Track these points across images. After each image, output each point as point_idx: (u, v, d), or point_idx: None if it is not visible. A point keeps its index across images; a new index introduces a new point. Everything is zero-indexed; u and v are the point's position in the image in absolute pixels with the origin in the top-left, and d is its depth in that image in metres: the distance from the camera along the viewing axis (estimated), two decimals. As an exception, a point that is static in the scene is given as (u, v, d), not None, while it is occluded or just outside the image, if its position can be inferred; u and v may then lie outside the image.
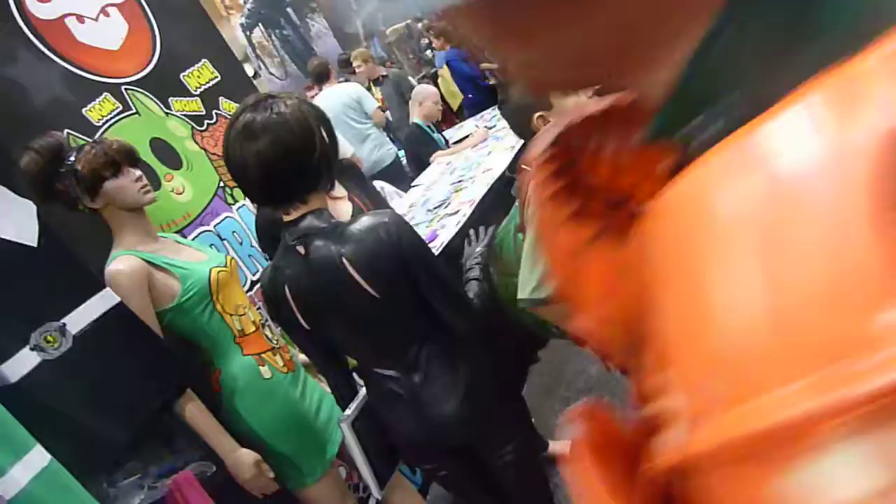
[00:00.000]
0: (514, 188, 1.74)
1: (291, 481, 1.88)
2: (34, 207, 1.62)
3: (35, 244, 1.60)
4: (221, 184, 2.54)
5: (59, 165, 1.74)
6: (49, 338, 1.55)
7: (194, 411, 1.72)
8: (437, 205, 3.65)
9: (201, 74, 2.66)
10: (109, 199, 1.76)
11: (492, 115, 4.94)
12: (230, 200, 2.54)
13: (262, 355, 1.86)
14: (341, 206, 2.07)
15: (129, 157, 1.78)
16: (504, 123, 4.48)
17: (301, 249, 1.41)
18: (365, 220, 1.40)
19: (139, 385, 1.66)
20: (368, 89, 5.75)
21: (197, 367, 1.83)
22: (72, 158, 1.74)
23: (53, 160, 1.74)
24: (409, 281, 1.42)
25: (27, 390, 1.46)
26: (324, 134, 1.42)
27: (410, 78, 6.31)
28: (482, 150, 4.31)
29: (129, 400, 1.63)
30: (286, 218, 1.45)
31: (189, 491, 1.67)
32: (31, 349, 1.51)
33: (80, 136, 2.14)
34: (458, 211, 3.40)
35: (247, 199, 2.57)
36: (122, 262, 1.72)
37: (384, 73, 5.81)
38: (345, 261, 1.37)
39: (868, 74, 0.23)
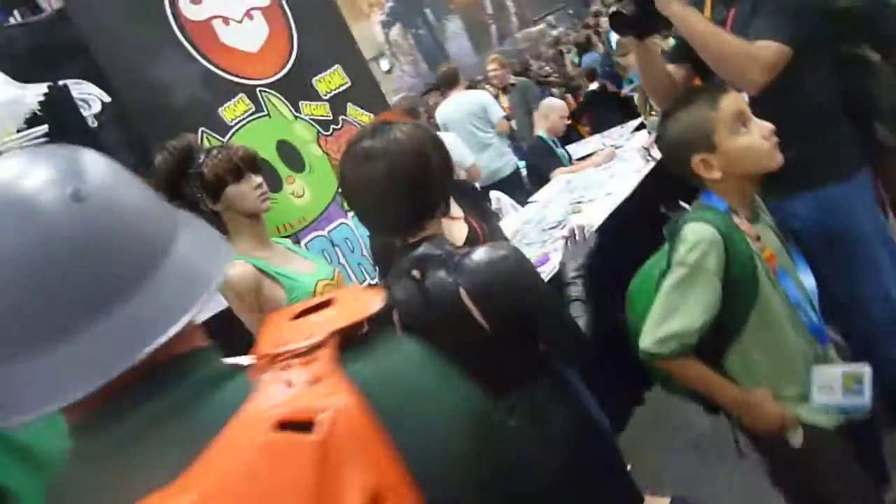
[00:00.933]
0: (669, 226, 1.60)
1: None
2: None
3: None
4: (339, 190, 2.57)
5: (187, 167, 1.80)
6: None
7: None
8: (553, 225, 3.55)
9: (332, 80, 2.70)
10: (229, 203, 1.81)
11: (620, 133, 4.76)
12: (346, 207, 2.56)
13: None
14: (457, 227, 2.02)
15: (251, 164, 1.82)
16: (634, 144, 4.32)
17: (416, 274, 1.38)
18: (483, 252, 1.35)
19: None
20: (496, 97, 5.72)
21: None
22: (200, 160, 1.80)
23: (183, 161, 1.81)
24: (524, 319, 1.36)
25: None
26: (440, 160, 1.39)
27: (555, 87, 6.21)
28: (606, 171, 4.16)
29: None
30: (402, 242, 1.42)
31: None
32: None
33: (214, 134, 2.22)
34: (570, 237, 3.28)
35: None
36: (234, 268, 1.76)
37: (513, 82, 5.75)
38: (461, 290, 1.32)
39: None
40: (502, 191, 4.66)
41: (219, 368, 0.64)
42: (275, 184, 2.33)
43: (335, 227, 2.48)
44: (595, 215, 3.41)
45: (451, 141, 4.20)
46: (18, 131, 1.53)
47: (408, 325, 1.43)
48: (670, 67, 1.98)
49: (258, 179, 1.82)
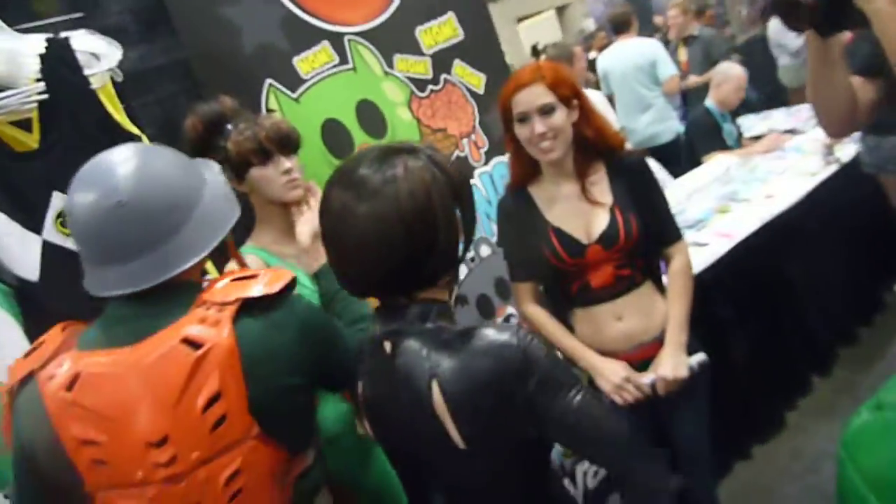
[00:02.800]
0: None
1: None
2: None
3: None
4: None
5: (215, 137, 1.58)
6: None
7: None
8: (691, 224, 3.01)
9: (440, 31, 2.33)
10: (255, 186, 1.57)
11: (808, 115, 3.92)
12: (428, 183, 2.25)
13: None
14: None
15: (282, 145, 1.55)
16: (817, 134, 3.52)
17: (388, 346, 1.07)
18: (482, 335, 0.99)
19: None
20: (675, 49, 4.99)
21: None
22: (229, 130, 1.57)
23: (211, 129, 1.58)
24: (517, 429, 1.01)
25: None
26: (456, 218, 1.03)
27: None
28: (777, 161, 3.45)
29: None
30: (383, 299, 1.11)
31: None
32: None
33: (282, 88, 1.97)
34: (707, 244, 2.75)
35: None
36: (249, 261, 1.54)
37: (695, 34, 4.96)
38: (434, 384, 0.98)
39: None
40: (657, 159, 4.09)
41: (190, 297, 1.07)
42: (344, 149, 2.06)
43: (409, 206, 2.18)
44: (744, 222, 2.83)
45: (597, 101, 3.68)
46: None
47: (369, 404, 1.13)
48: (856, 81, 1.42)
49: (288, 164, 1.55)
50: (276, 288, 1.08)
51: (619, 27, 4.60)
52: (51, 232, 1.35)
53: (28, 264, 1.31)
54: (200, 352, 0.99)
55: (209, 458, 1.01)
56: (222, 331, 1.01)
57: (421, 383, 0.99)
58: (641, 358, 1.64)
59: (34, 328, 1.33)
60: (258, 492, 1.06)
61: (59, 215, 1.37)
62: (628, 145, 4.10)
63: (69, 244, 1.37)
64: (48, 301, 1.33)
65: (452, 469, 1.05)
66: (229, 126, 1.58)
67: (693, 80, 4.84)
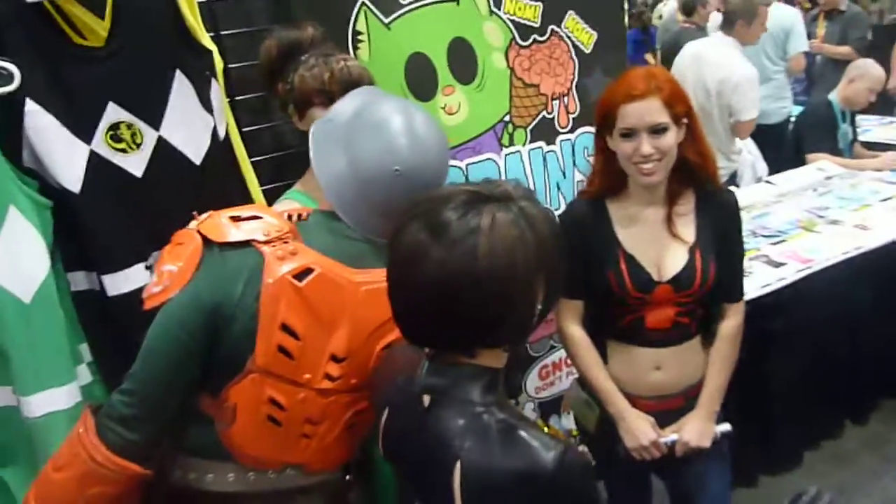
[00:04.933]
0: None
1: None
2: (212, 124, 1.40)
3: (199, 162, 1.40)
4: (507, 118, 2.09)
5: (287, 66, 1.47)
6: (170, 262, 1.42)
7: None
8: (770, 234, 2.81)
9: (563, -25, 2.10)
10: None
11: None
12: (505, 141, 2.10)
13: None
14: None
15: (347, 92, 1.43)
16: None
17: (426, 400, 0.98)
18: (524, 441, 0.90)
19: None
20: (815, 20, 4.51)
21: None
22: (302, 61, 1.45)
23: (285, 57, 1.47)
24: None
25: (121, 307, 1.35)
26: (537, 285, 0.93)
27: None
28: (879, 186, 3.15)
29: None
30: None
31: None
32: (146, 268, 1.38)
33: (375, 11, 1.81)
34: (782, 265, 2.56)
35: (524, 146, 2.14)
36: (283, 207, 1.47)
37: (842, 8, 4.43)
38: (457, 467, 0.91)
39: None
40: (759, 140, 3.78)
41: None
42: (426, 90, 1.92)
43: (478, 162, 2.05)
44: (826, 250, 2.62)
45: (749, 80, 3.23)
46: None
47: (388, 436, 1.07)
48: None
49: None
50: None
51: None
52: (100, 143, 1.29)
53: (71, 174, 1.26)
54: (305, 280, 1.09)
55: (358, 388, 1.15)
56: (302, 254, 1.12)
57: (446, 456, 0.92)
58: (660, 409, 1.55)
59: (67, 242, 1.29)
60: (360, 428, 1.22)
61: (111, 128, 1.30)
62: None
63: (116, 159, 1.31)
64: (87, 214, 1.29)
65: None
66: (304, 57, 1.46)
67: (830, 49, 4.38)
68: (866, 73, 3.37)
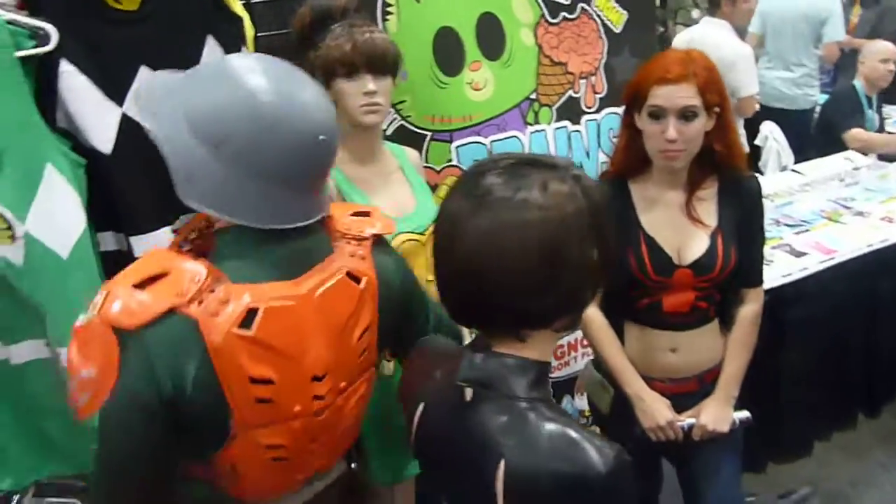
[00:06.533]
0: None
1: (364, 469, 1.72)
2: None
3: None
4: (533, 96, 2.09)
5: (317, 34, 1.48)
6: (196, 226, 1.44)
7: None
8: (793, 223, 2.78)
9: (598, -51, 2.08)
10: (337, 97, 1.48)
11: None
12: (530, 119, 2.10)
13: (398, 349, 1.59)
14: None
15: (371, 63, 1.44)
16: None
17: (468, 393, 0.94)
18: (574, 442, 0.85)
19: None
20: (850, 5, 4.41)
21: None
22: (331, 30, 1.46)
23: (316, 25, 1.48)
24: None
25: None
26: (591, 260, 0.89)
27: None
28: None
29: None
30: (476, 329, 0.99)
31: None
32: (173, 231, 1.40)
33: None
34: (804, 254, 2.54)
35: (549, 125, 2.13)
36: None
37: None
38: (501, 465, 0.87)
39: None
40: (785, 125, 3.74)
41: (324, 230, 1.05)
42: (454, 65, 1.92)
43: (502, 139, 2.04)
44: (850, 242, 2.59)
45: (743, 56, 3.31)
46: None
47: (423, 427, 1.03)
48: None
49: (371, 85, 1.45)
50: (390, 229, 1.13)
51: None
52: (131, 106, 1.31)
53: (103, 135, 1.28)
54: (362, 285, 1.02)
55: (348, 386, 1.08)
56: (369, 264, 1.05)
57: (488, 454, 0.89)
58: (674, 392, 1.55)
59: (97, 203, 1.32)
60: (362, 407, 1.18)
61: (142, 92, 1.32)
62: (758, 101, 3.74)
63: (149, 126, 1.33)
64: (117, 176, 1.31)
65: None
66: (333, 26, 1.47)
67: (852, 41, 4.31)
68: (873, 48, 3.38)
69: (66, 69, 1.23)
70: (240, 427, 0.95)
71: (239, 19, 1.44)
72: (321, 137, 0.94)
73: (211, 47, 1.37)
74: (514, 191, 0.84)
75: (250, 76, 0.93)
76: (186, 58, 1.35)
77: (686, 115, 1.37)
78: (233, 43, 1.41)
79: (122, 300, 0.88)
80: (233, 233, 0.97)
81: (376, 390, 1.60)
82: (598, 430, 0.95)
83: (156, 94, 0.98)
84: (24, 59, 1.20)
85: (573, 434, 0.85)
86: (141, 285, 0.89)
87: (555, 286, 0.86)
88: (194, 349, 0.89)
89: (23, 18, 1.21)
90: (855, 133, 3.43)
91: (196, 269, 0.91)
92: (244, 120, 0.90)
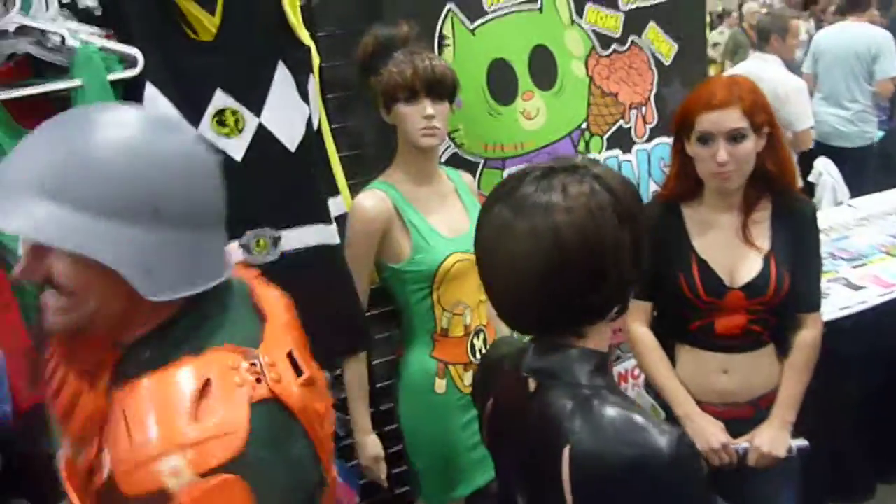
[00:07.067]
0: None
1: (414, 489, 1.74)
2: (307, 114, 1.49)
3: (293, 149, 1.49)
4: (584, 125, 2.13)
5: (380, 61, 1.55)
6: (261, 242, 1.50)
7: (353, 376, 1.62)
8: (849, 257, 2.73)
9: (645, -12, 2.13)
10: (397, 121, 1.55)
11: None
12: (581, 148, 2.14)
13: (450, 366, 1.61)
14: None
15: (430, 88, 1.50)
16: None
17: (532, 384, 0.98)
18: (637, 426, 0.87)
19: (317, 325, 1.55)
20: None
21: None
22: (393, 57, 1.54)
23: (379, 53, 1.56)
24: None
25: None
26: (625, 244, 0.92)
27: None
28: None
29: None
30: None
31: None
32: (240, 245, 1.47)
33: (461, 16, 1.89)
34: (862, 288, 2.49)
35: (600, 153, 2.17)
36: (371, 199, 1.55)
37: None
38: (566, 450, 0.90)
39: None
40: (841, 163, 3.69)
41: None
42: (507, 95, 1.98)
43: (553, 167, 2.09)
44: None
45: (796, 89, 3.33)
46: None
47: (494, 424, 1.08)
48: None
49: (430, 109, 1.51)
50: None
51: (854, 3, 4.05)
52: (207, 128, 1.40)
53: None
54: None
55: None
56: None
57: (554, 440, 0.91)
58: (728, 416, 1.53)
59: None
60: None
61: (217, 113, 1.41)
62: (813, 135, 3.72)
63: (220, 143, 1.41)
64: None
65: None
66: (396, 53, 1.55)
67: None
68: None
69: (150, 92, 1.33)
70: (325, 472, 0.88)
71: (307, 47, 1.53)
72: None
73: (281, 72, 1.46)
74: (544, 195, 0.89)
75: (146, 128, 0.81)
76: (258, 82, 1.45)
77: (735, 136, 1.40)
78: (301, 69, 1.50)
79: (204, 445, 0.72)
80: (196, 306, 0.82)
81: (427, 411, 1.64)
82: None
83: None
84: (114, 83, 1.30)
85: (637, 418, 0.87)
86: (195, 416, 0.73)
87: (603, 278, 0.89)
88: (289, 424, 0.80)
89: (113, 45, 1.31)
90: None
91: (226, 356, 0.78)
92: (177, 173, 0.78)
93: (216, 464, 0.71)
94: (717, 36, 6.95)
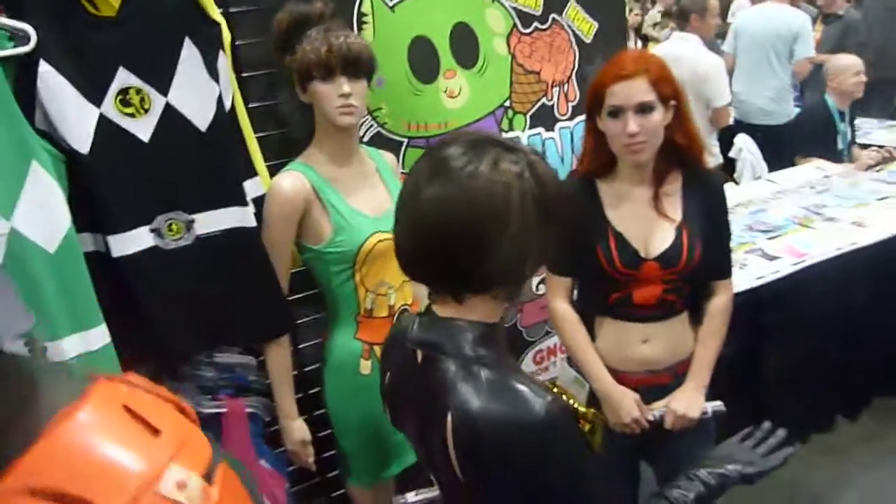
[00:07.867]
0: None
1: (343, 472, 1.73)
2: (218, 93, 1.45)
3: (204, 129, 1.44)
4: (507, 103, 2.14)
5: (295, 39, 1.52)
6: (174, 226, 1.45)
7: (276, 361, 1.59)
8: (766, 229, 2.84)
9: (565, -34, 2.14)
10: (314, 100, 1.52)
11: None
12: (505, 126, 2.15)
13: (375, 347, 1.60)
14: None
15: (347, 66, 1.48)
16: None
17: (419, 356, 1.00)
18: (514, 388, 0.90)
19: (235, 310, 1.53)
20: (813, 23, 4.54)
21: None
22: (308, 35, 1.50)
23: (293, 31, 1.52)
24: (516, 483, 0.91)
25: (126, 268, 1.40)
26: (532, 234, 0.92)
27: None
28: (878, 186, 3.18)
29: (219, 321, 1.52)
30: (428, 299, 1.03)
31: (234, 425, 1.59)
32: (151, 231, 1.42)
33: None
34: (777, 258, 2.60)
35: (523, 131, 2.18)
36: (288, 180, 1.52)
37: (840, 13, 4.47)
38: (449, 417, 0.92)
39: None
40: (761, 140, 3.84)
41: None
42: (429, 73, 1.96)
43: (478, 146, 2.09)
44: (821, 245, 2.65)
45: (714, 67, 3.42)
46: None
47: (391, 397, 1.10)
48: None
49: (346, 87, 1.49)
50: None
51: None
52: (109, 107, 1.34)
53: (80, 135, 1.31)
54: None
55: None
56: None
57: (439, 409, 0.93)
58: (649, 383, 1.58)
59: (77, 204, 1.33)
60: None
61: (120, 92, 1.35)
62: (734, 114, 3.85)
63: (125, 123, 1.36)
64: (94, 176, 1.34)
65: (452, 488, 1.01)
66: (310, 31, 1.51)
67: (819, 57, 4.45)
68: (841, 63, 3.50)
69: (45, 70, 1.26)
70: None
71: (216, 24, 1.48)
72: None
73: (188, 49, 1.41)
74: (466, 162, 0.90)
75: None
76: (164, 59, 1.39)
77: (643, 109, 1.43)
78: (210, 46, 1.45)
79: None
80: None
81: (353, 393, 1.63)
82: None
83: None
84: (4, 61, 1.23)
85: (510, 381, 0.90)
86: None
87: (491, 255, 0.90)
88: None
89: (2, 20, 1.24)
90: (804, 161, 3.56)
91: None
92: None
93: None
94: (657, 16, 7.01)
